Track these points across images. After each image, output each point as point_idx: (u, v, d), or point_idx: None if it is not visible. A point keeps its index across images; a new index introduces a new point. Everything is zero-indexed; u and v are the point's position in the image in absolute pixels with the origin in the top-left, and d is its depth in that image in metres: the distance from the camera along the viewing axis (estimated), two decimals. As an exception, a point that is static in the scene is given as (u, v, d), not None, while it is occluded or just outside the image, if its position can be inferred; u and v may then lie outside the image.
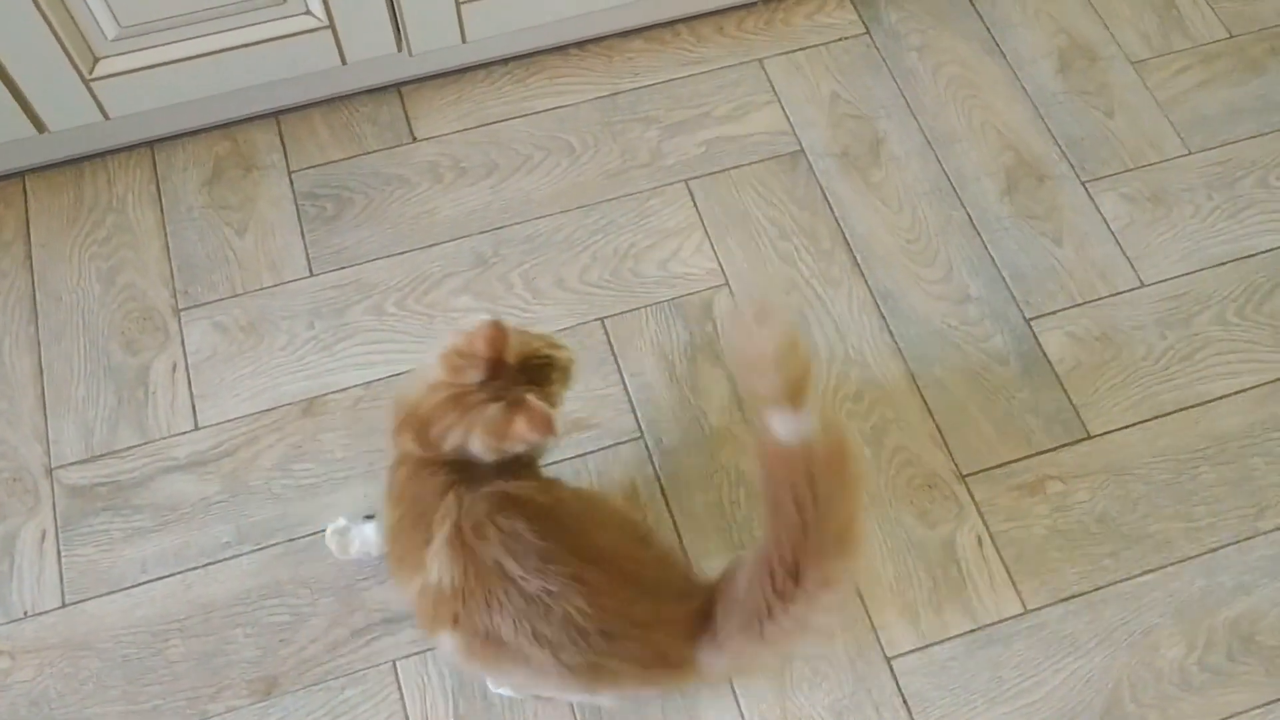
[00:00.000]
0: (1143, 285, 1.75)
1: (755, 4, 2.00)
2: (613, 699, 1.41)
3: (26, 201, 1.79)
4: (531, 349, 1.21)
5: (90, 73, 1.64)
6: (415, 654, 1.47)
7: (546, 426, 1.12)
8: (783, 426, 1.06)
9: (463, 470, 1.18)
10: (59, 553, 1.53)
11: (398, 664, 1.46)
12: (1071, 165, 1.86)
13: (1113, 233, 1.80)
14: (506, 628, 1.14)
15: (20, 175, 1.82)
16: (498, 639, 1.15)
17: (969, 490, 1.59)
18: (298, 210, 1.80)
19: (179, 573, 1.52)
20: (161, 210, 1.80)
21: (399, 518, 1.23)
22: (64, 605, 1.50)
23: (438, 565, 1.15)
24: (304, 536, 1.54)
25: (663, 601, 1.20)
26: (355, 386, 1.65)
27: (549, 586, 1.12)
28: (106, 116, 1.71)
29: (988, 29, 2.00)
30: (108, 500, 1.57)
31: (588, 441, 1.61)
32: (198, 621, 1.49)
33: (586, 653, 1.15)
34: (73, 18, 1.57)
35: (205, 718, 1.43)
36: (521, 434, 1.12)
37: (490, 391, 1.15)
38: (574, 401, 1.63)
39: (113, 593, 1.50)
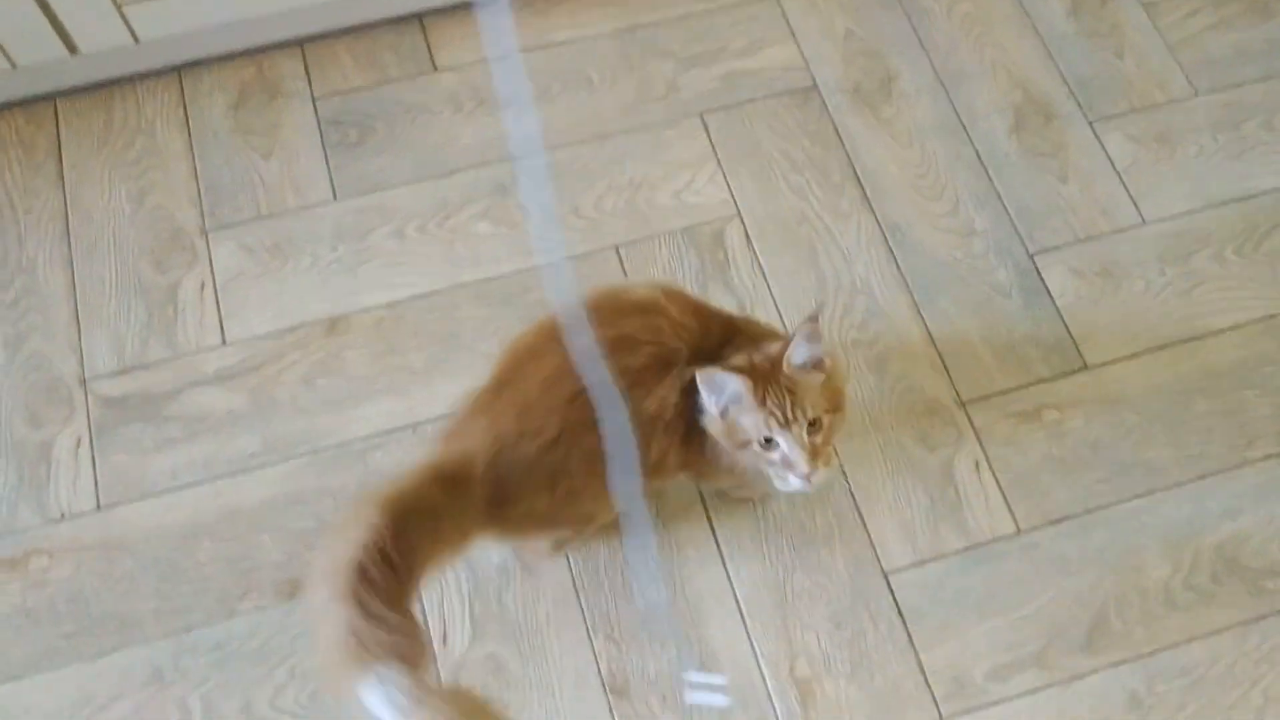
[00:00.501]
0: (1144, 223, 1.82)
1: (772, -60, 2.05)
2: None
3: (58, 123, 1.87)
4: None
5: None
6: (434, 560, 1.55)
7: None
8: None
9: None
10: (94, 459, 1.62)
11: (417, 569, 1.55)
12: (1079, 104, 1.92)
13: (1117, 171, 1.86)
14: None
15: (52, 98, 1.89)
16: None
17: (968, 416, 1.67)
18: (322, 136, 1.86)
19: (208, 480, 1.61)
20: (189, 134, 1.86)
21: None
22: (99, 508, 1.59)
23: None
24: (328, 448, 1.63)
25: None
26: (377, 307, 1.73)
27: None
28: (136, 40, 1.77)
29: (1000, -31, 2.05)
30: (139, 411, 1.65)
31: None
32: (226, 526, 1.58)
33: None
34: None
35: (234, 616, 1.52)
36: None
37: None
38: None
39: (145, 498, 1.59)
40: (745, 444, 1.27)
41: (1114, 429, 1.66)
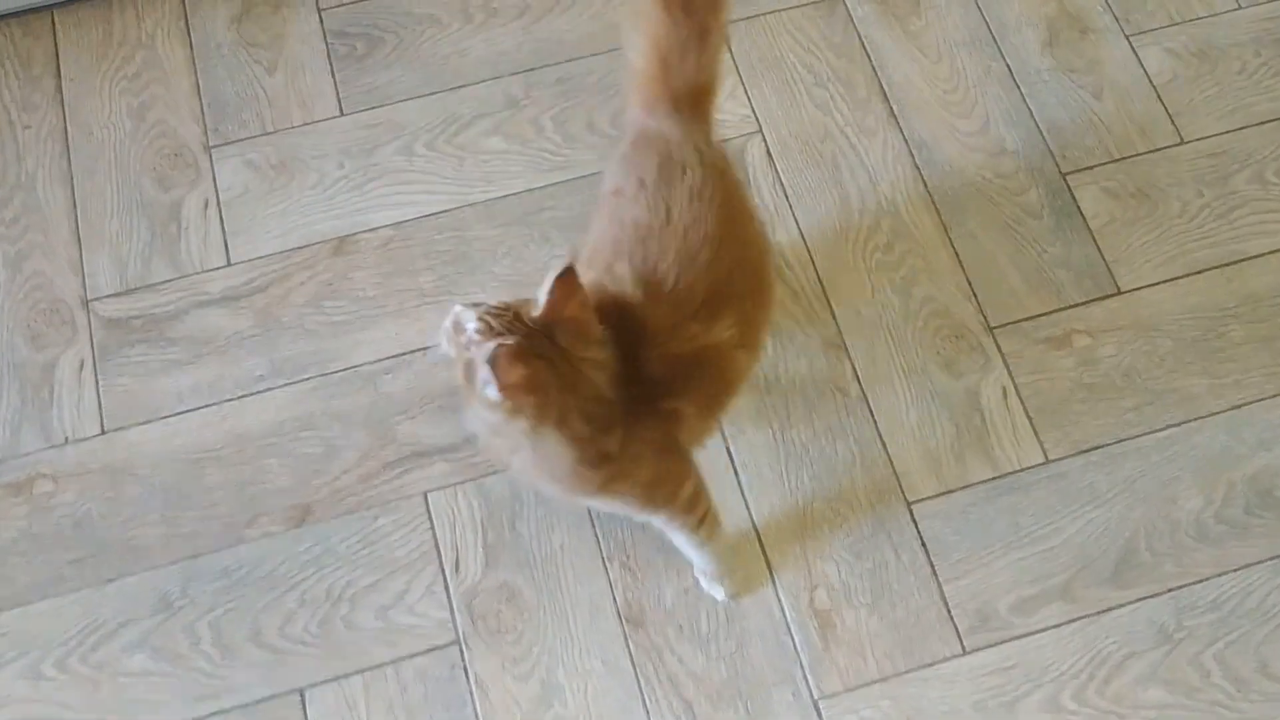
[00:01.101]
0: (1183, 142, 1.78)
1: None
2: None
3: (55, 36, 1.83)
4: None
5: None
6: (446, 486, 1.55)
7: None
8: None
9: None
10: (97, 382, 1.61)
11: (429, 496, 1.54)
12: (1116, 18, 1.86)
13: (1154, 88, 1.81)
14: None
15: (49, 9, 1.85)
16: None
17: (996, 342, 1.64)
18: (328, 48, 1.83)
19: (214, 404, 1.60)
20: (191, 47, 1.83)
21: None
22: (103, 432, 1.58)
23: None
24: (336, 371, 1.61)
25: None
26: (385, 227, 1.70)
27: None
28: None
29: None
30: (143, 332, 1.64)
31: None
32: (232, 451, 1.57)
33: None
34: None
35: (241, 542, 1.52)
36: None
37: None
38: None
39: (150, 421, 1.59)
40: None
41: (1147, 356, 1.63)
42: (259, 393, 1.60)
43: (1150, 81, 1.82)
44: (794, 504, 1.55)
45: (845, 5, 1.87)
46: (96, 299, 1.66)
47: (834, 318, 1.65)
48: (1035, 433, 1.59)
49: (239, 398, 1.60)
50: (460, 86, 1.80)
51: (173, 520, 1.53)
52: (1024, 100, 1.80)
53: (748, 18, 1.85)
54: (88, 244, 1.69)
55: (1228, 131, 1.79)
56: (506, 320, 1.06)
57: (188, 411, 1.59)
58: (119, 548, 1.52)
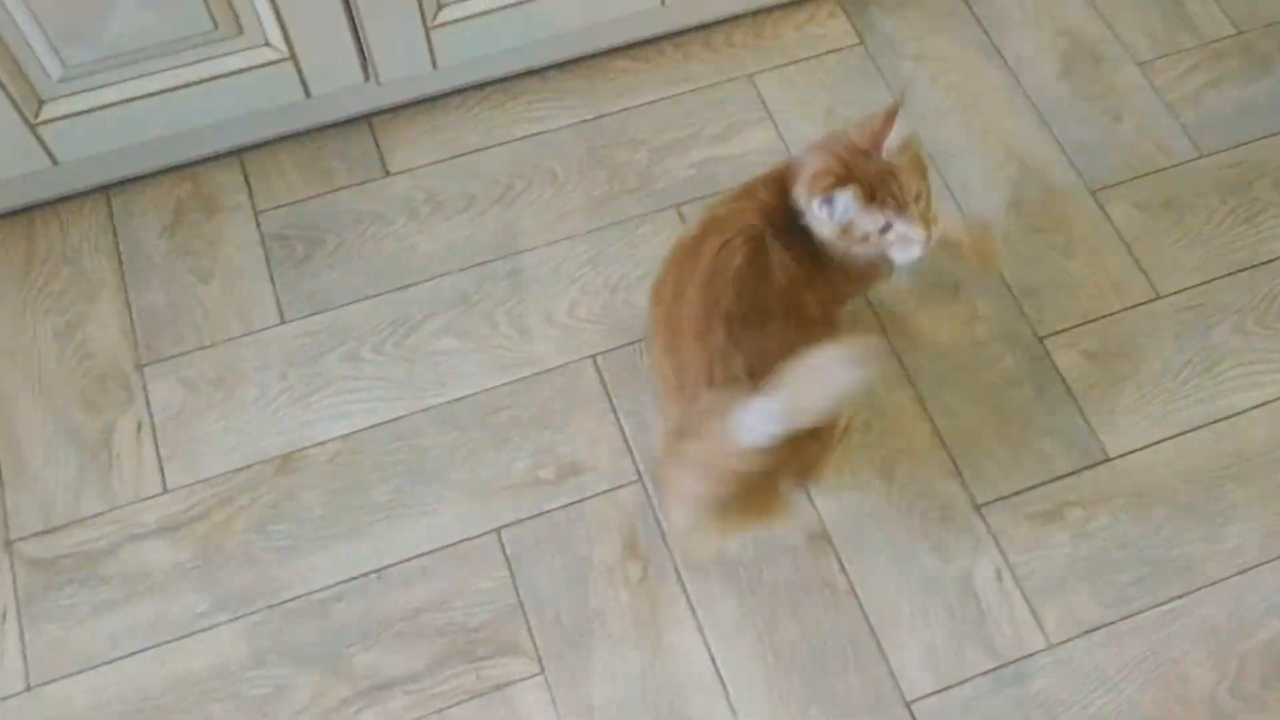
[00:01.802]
0: (1158, 296, 1.76)
1: (743, 17, 2.01)
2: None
3: (-27, 255, 1.79)
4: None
5: (35, 117, 1.63)
6: (407, 722, 1.46)
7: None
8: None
9: None
10: (21, 631, 1.52)
11: (390, 734, 1.45)
12: (1079, 173, 1.86)
13: (1125, 243, 1.80)
14: None
15: (-34, 227, 1.81)
16: None
17: (985, 520, 1.59)
18: (266, 253, 1.79)
19: (152, 647, 1.51)
20: (120, 259, 1.78)
21: None
22: (29, 689, 1.48)
23: None
24: (285, 602, 1.53)
25: None
26: (333, 439, 1.64)
27: None
28: (55, 162, 1.70)
29: (985, 33, 2.00)
30: (72, 572, 1.55)
31: (584, 485, 1.61)
32: (173, 699, 1.47)
33: None
34: (14, 58, 1.56)
35: (186, 802, 1.42)
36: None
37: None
38: (568, 445, 1.64)
39: (81, 672, 1.49)
40: (864, 238, 1.39)
41: (1143, 525, 1.59)
42: (201, 630, 1.52)
43: (1119, 236, 1.81)
44: (787, 714, 1.47)
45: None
46: (20, 539, 1.57)
47: (814, 506, 1.60)
48: (1034, 615, 1.53)
49: (179, 638, 1.51)
50: (408, 285, 1.76)
51: (109, 782, 1.43)
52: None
53: (704, 197, 1.84)
54: (9, 479, 1.61)
55: (1203, 283, 1.77)
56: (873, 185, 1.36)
57: (123, 658, 1.50)
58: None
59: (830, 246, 1.42)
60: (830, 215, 1.37)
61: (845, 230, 1.39)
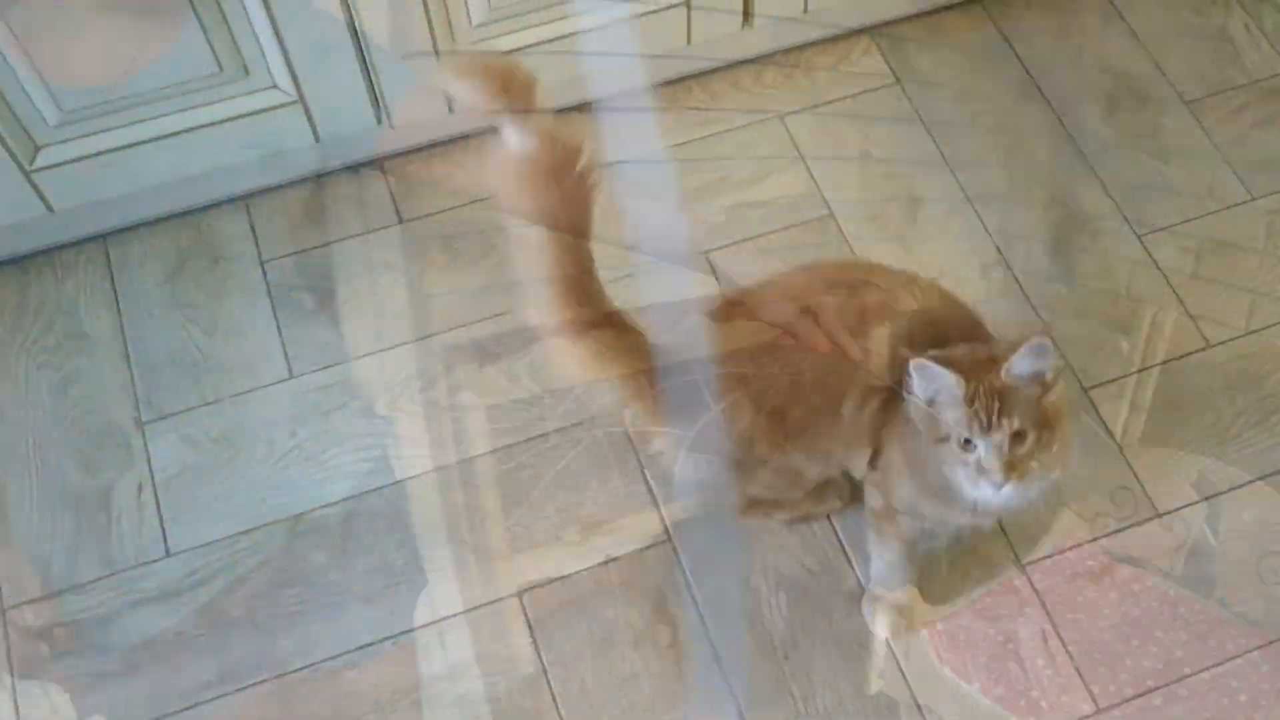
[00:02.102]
0: (1208, 345, 1.71)
1: (774, 56, 1.99)
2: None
3: (-37, 308, 1.77)
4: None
5: (31, 163, 1.61)
6: (430, 799, 1.41)
7: None
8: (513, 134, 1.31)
9: None
10: (16, 707, 1.48)
11: (409, 811, 1.40)
12: (1125, 218, 1.82)
13: (1172, 288, 1.75)
14: None
15: (-44, 278, 1.79)
16: None
17: (1030, 581, 1.55)
18: (273, 304, 1.77)
19: (154, 721, 1.47)
20: (119, 311, 1.76)
21: None
22: (24, 765, 1.44)
23: None
24: (295, 671, 1.50)
25: None
26: (346, 499, 1.62)
27: None
28: (51, 209, 1.68)
29: (1026, 71, 1.98)
30: (69, 642, 1.52)
31: (611, 546, 1.58)
32: (176, 778, 1.42)
33: None
34: (8, 103, 1.55)
35: None
36: None
37: None
38: (592, 504, 1.60)
39: (79, 749, 1.45)
40: (943, 439, 1.29)
41: (1195, 583, 1.52)
42: (206, 702, 1.48)
43: (1167, 281, 1.76)
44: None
45: (837, 223, 1.82)
46: (14, 606, 1.54)
47: (850, 565, 1.55)
48: (1081, 678, 1.48)
49: (181, 711, 1.47)
50: (423, 337, 1.73)
51: None
52: (1035, 313, 1.75)
53: (735, 243, 1.81)
54: (2, 542, 1.58)
55: (1252, 332, 1.73)
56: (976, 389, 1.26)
57: (123, 734, 1.46)
58: None
59: (916, 426, 1.34)
60: (924, 382, 1.28)
61: (932, 420, 1.30)
